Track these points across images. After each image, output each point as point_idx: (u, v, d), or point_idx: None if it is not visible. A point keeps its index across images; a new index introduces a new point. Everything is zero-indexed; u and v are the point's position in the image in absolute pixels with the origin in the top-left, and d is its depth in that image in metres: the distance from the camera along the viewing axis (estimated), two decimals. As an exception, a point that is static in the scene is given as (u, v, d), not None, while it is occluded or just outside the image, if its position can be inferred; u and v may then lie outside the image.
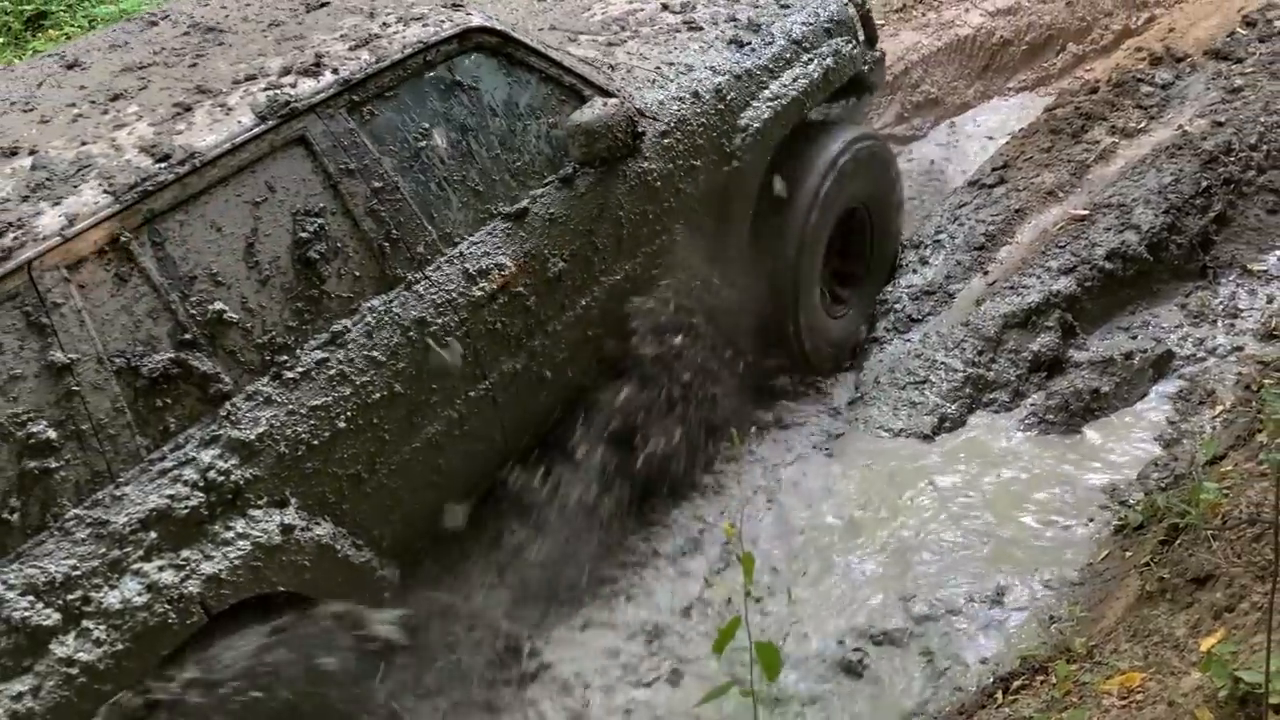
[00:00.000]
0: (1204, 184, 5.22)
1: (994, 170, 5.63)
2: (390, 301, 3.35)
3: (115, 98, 3.26)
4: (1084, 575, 4.06)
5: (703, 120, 4.15)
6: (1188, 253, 5.13)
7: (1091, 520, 4.23)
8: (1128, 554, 3.98)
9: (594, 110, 3.71)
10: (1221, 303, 5.01)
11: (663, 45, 4.30)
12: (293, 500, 3.07)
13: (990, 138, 6.43)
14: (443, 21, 3.58)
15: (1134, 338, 4.92)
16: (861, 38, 4.80)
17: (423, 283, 3.42)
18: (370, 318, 3.30)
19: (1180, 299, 5.07)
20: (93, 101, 3.26)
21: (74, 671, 2.62)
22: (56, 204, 2.84)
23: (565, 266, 3.75)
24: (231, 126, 3.12)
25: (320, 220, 3.21)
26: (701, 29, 4.40)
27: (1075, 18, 6.98)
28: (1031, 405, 4.76)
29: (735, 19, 4.46)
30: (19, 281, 2.71)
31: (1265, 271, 5.08)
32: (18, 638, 2.58)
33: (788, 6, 4.59)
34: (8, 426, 2.66)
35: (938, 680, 3.81)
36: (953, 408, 4.85)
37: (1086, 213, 5.23)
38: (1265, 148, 5.33)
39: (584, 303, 3.85)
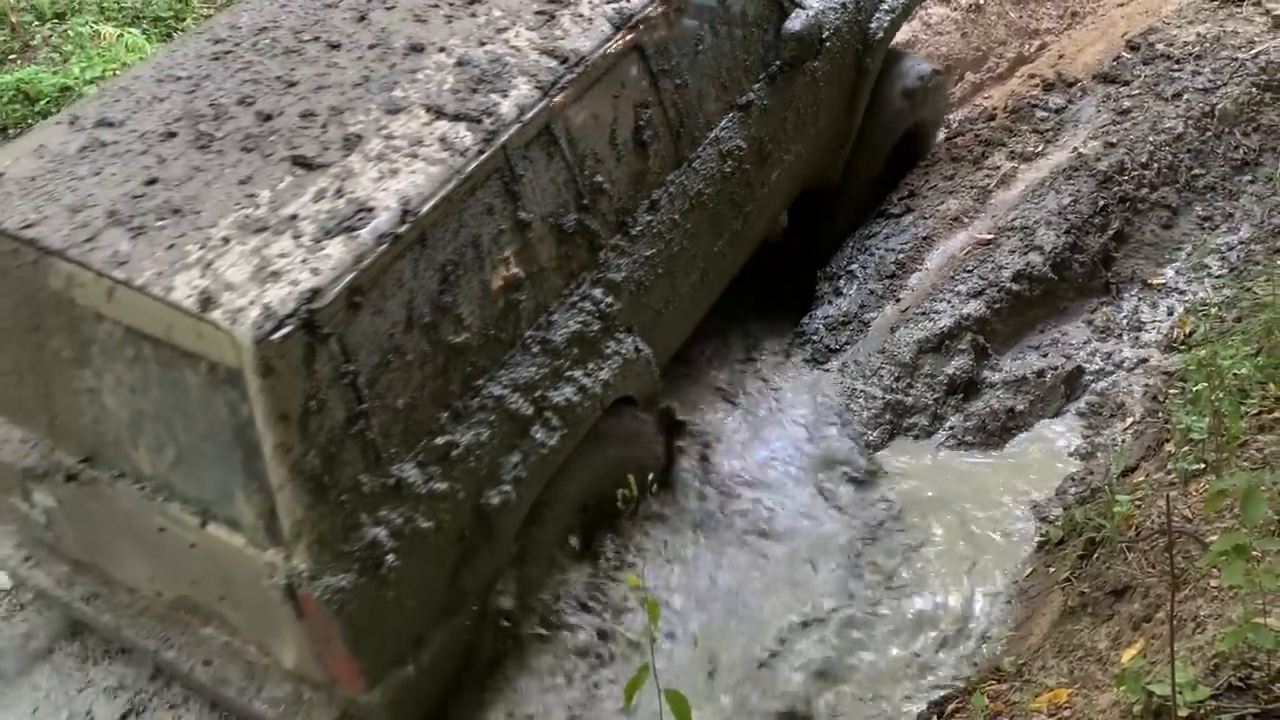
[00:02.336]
0: (1101, 203, 5.39)
1: (900, 200, 5.74)
2: (680, 175, 4.15)
3: (472, 0, 3.86)
4: (1010, 593, 4.12)
5: (849, 27, 4.98)
6: (1090, 270, 5.27)
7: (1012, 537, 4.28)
8: (1050, 569, 4.05)
9: (800, 20, 4.54)
10: (1125, 317, 5.15)
11: None
12: (634, 328, 3.94)
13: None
14: None
15: (1044, 355, 5.03)
16: None
17: (696, 160, 4.23)
18: (671, 189, 4.11)
19: (1086, 315, 5.20)
20: (452, 3, 3.86)
21: (543, 452, 3.53)
22: (505, 96, 3.51)
23: (770, 147, 4.62)
24: (596, 34, 3.80)
25: (648, 111, 3.98)
26: None
27: (971, 48, 7.18)
28: (950, 428, 4.84)
29: None
30: (500, 159, 3.41)
31: (1164, 284, 5.24)
32: (509, 424, 3.44)
33: None
34: (499, 268, 3.41)
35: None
36: (874, 434, 4.90)
37: (991, 237, 5.36)
38: (1155, 165, 5.52)
39: (775, 175, 4.74)
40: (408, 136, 3.33)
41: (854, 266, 5.53)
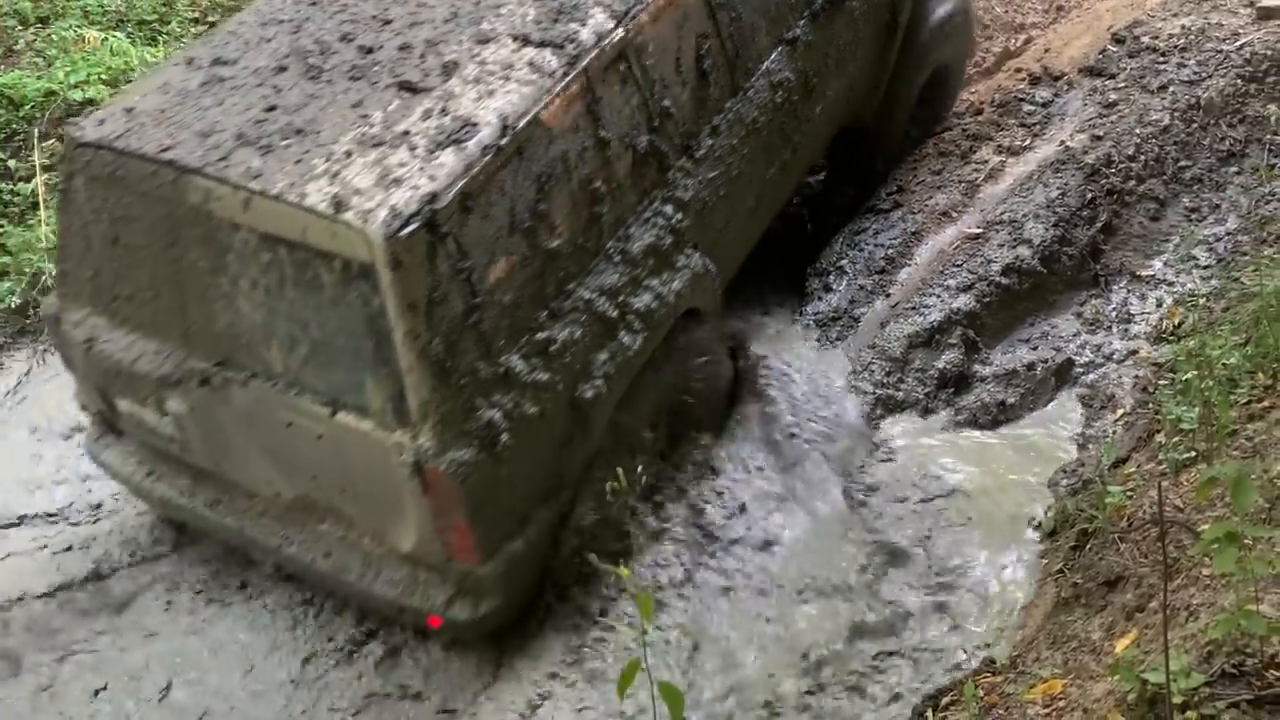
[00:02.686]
0: (1089, 196, 5.40)
1: (889, 195, 5.75)
2: (736, 104, 4.47)
3: None
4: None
5: None
6: (1079, 263, 5.28)
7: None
8: (1044, 561, 4.06)
9: None
10: (1114, 309, 5.16)
11: None
12: (699, 245, 4.25)
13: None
14: None
15: (1034, 349, 5.04)
16: None
17: (750, 90, 4.53)
18: (729, 116, 4.42)
19: (1076, 308, 5.21)
20: None
21: (628, 353, 3.90)
22: (583, 24, 3.82)
23: (814, 81, 4.89)
24: None
25: (708, 41, 4.26)
26: None
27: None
28: (941, 422, 4.84)
29: None
30: (582, 81, 3.72)
31: (1153, 276, 5.25)
32: (598, 325, 3.78)
33: None
34: (585, 181, 3.74)
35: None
36: (867, 428, 4.90)
37: (980, 231, 5.37)
38: (1142, 158, 5.54)
39: (818, 108, 5.02)
40: (499, 62, 3.69)
41: (843, 262, 5.54)
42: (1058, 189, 5.41)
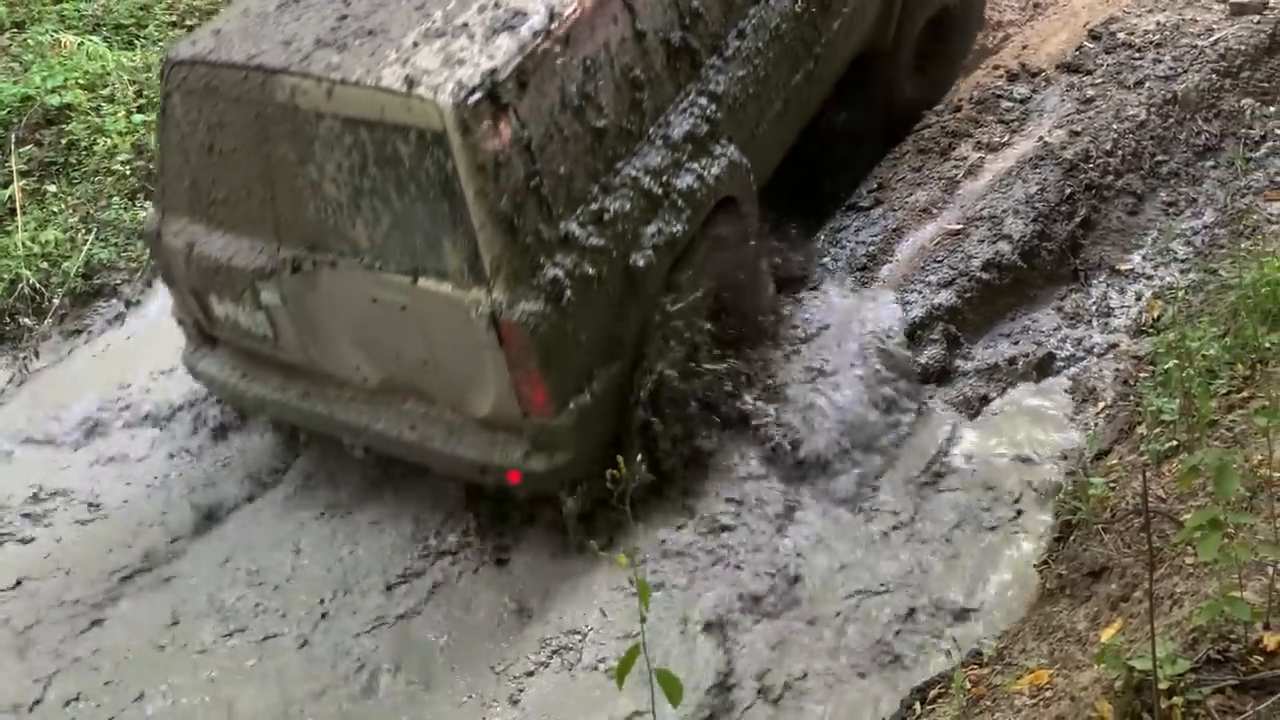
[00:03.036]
0: (1067, 191, 5.44)
1: (869, 193, 5.78)
2: (760, 9, 4.85)
3: None
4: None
5: None
6: (1058, 258, 5.32)
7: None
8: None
9: None
10: (1094, 303, 5.20)
11: None
12: (733, 137, 4.62)
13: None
14: None
15: (1016, 343, 5.08)
16: None
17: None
18: (754, 20, 4.81)
19: (1056, 302, 5.25)
20: None
21: (674, 229, 4.26)
22: None
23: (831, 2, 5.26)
24: None
25: None
26: None
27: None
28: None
29: None
30: None
31: (1131, 270, 5.29)
32: (645, 200, 4.17)
33: None
34: (626, 69, 4.17)
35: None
36: (852, 428, 4.93)
37: (960, 227, 5.40)
38: (1120, 153, 5.58)
39: (836, 24, 5.35)
40: None
41: (826, 260, 5.56)
42: (1036, 185, 5.45)
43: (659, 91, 4.35)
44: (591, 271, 3.96)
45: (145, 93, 6.82)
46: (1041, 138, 5.67)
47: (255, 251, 4.19)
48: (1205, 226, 5.37)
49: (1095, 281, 5.30)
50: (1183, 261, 5.25)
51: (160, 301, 5.62)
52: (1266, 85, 5.90)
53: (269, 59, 3.97)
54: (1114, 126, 5.66)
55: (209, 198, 4.27)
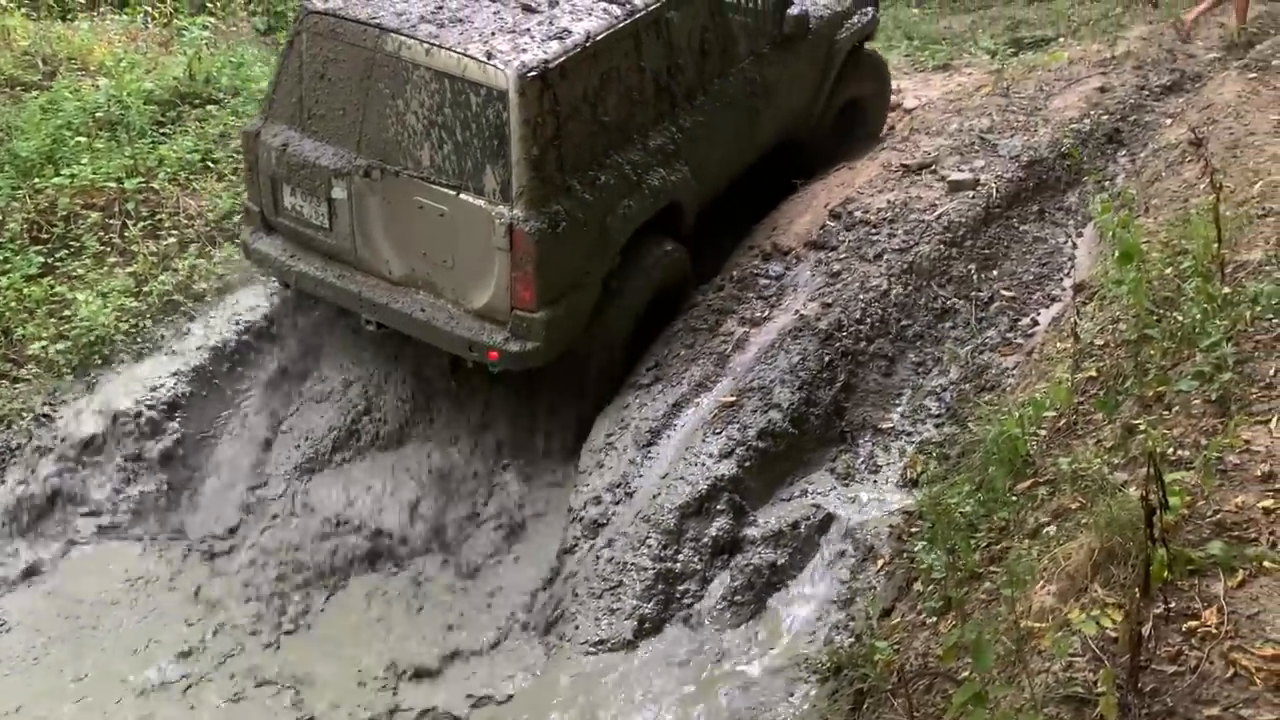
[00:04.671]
0: (826, 359, 5.81)
1: (648, 370, 5.97)
2: (722, 81, 6.53)
3: None
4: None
5: (826, 28, 7.37)
6: (826, 421, 5.63)
7: (791, 696, 4.36)
8: (827, 721, 4.14)
9: (798, 8, 7.01)
10: (863, 462, 5.51)
11: None
12: (689, 162, 6.20)
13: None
14: None
15: (797, 508, 5.27)
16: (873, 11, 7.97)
17: (732, 75, 6.61)
18: (716, 88, 6.48)
19: (829, 464, 5.53)
20: None
21: (634, 209, 5.84)
22: None
23: (772, 85, 6.90)
24: None
25: (709, 34, 6.38)
26: None
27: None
28: (720, 589, 4.94)
29: None
30: (633, 26, 5.79)
31: (893, 428, 5.66)
32: (624, 183, 5.77)
33: None
34: (627, 89, 5.76)
35: None
36: (649, 606, 4.94)
37: (734, 398, 5.64)
38: (869, 320, 6.04)
39: (771, 109, 6.96)
40: (584, 6, 5.76)
41: (612, 438, 5.66)
42: (798, 354, 5.80)
43: (646, 112, 5.97)
44: (580, 217, 5.48)
45: None
46: (798, 311, 6.06)
47: (337, 156, 5.66)
48: (952, 383, 5.83)
49: (862, 441, 5.62)
50: (936, 416, 5.66)
51: None
52: (987, 251, 6.58)
53: (386, 21, 5.55)
54: (861, 297, 6.13)
55: (309, 113, 5.76)
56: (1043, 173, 7.08)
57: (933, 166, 7.13)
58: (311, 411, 6.28)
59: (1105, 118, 7.62)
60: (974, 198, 6.79)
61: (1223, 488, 3.32)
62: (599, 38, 5.56)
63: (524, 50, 5.33)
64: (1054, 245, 6.69)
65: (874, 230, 6.58)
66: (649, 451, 5.51)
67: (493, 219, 5.27)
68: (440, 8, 5.64)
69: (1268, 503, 3.21)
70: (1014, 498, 4.10)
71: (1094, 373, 4.77)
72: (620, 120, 5.76)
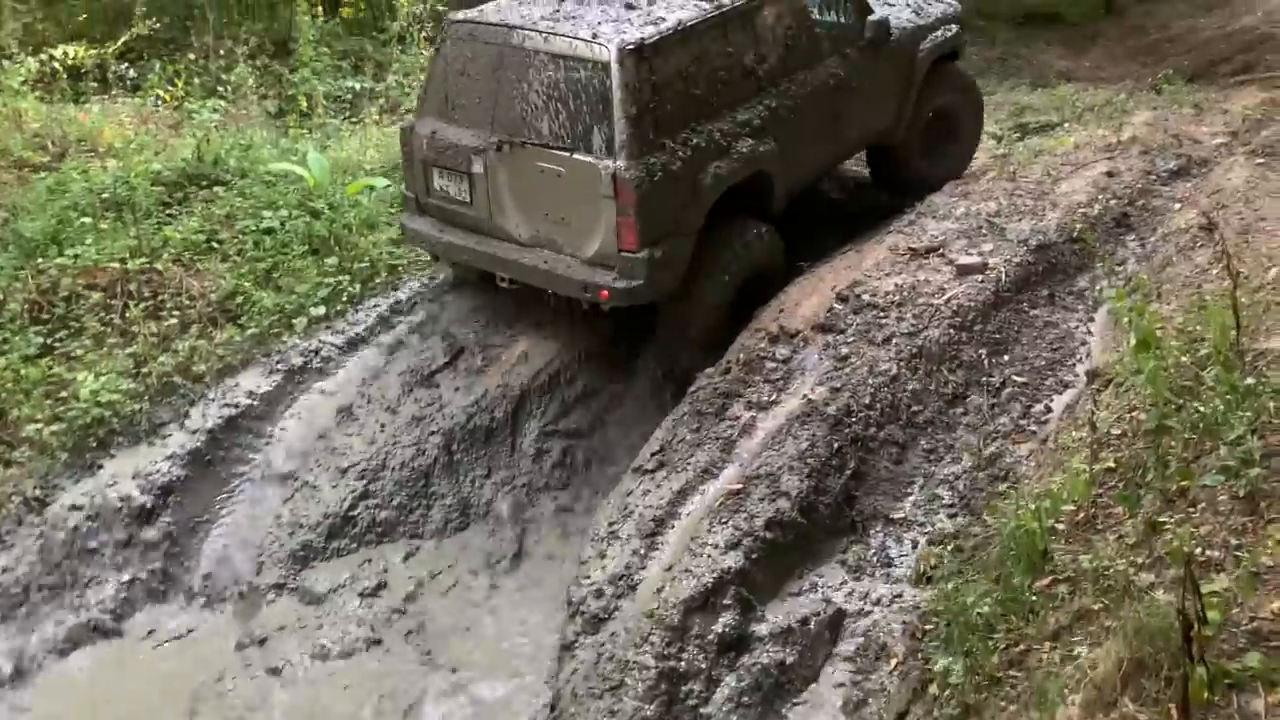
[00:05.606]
0: (836, 445, 5.67)
1: (652, 455, 5.83)
2: (805, 73, 7.31)
3: None
4: None
5: (909, 38, 8.16)
6: (836, 511, 5.47)
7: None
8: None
9: (879, 13, 7.85)
10: (875, 554, 5.32)
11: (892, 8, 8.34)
12: (776, 139, 7.01)
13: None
14: None
15: (806, 603, 5.08)
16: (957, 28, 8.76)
17: (815, 69, 7.41)
18: (798, 79, 7.24)
19: (839, 555, 5.34)
20: None
21: (724, 172, 6.62)
22: None
23: (855, 83, 7.68)
24: None
25: (794, 30, 7.27)
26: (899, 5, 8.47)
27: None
28: (727, 690, 4.74)
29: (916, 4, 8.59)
30: (721, 17, 6.75)
31: (904, 518, 5.48)
32: (715, 148, 6.59)
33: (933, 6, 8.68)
34: (714, 69, 6.66)
35: None
36: (652, 708, 4.72)
37: (740, 486, 5.49)
38: (879, 405, 5.91)
39: (857, 108, 7.74)
40: (678, 3, 6.77)
41: (615, 527, 5.50)
42: (807, 440, 5.66)
43: (734, 91, 6.80)
44: (675, 170, 6.34)
45: None
46: (806, 395, 5.94)
47: (475, 136, 6.66)
48: (965, 471, 5.68)
49: (873, 532, 5.44)
50: (949, 506, 5.49)
51: None
52: (998, 336, 6.48)
53: (512, 21, 6.65)
54: (870, 381, 6.01)
55: (452, 104, 6.80)
56: (1052, 257, 7.03)
57: (940, 250, 7.08)
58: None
59: (1114, 202, 7.59)
60: (983, 282, 6.72)
61: (1257, 591, 3.15)
62: (688, 25, 6.57)
63: (624, 33, 6.35)
64: (1065, 330, 6.59)
65: (882, 314, 6.49)
66: (653, 541, 5.34)
67: (599, 171, 6.20)
68: (556, 10, 6.72)
69: (1306, 610, 3.04)
70: (1033, 596, 3.92)
71: (1112, 464, 4.61)
72: (710, 95, 6.65)
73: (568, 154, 6.29)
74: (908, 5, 8.46)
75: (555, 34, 6.38)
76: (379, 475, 6.26)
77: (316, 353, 6.98)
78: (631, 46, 6.20)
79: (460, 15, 6.98)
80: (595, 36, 6.26)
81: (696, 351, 6.64)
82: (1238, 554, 3.29)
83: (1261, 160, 7.93)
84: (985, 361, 6.28)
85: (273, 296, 7.19)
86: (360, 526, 6.13)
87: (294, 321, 7.12)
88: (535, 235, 6.59)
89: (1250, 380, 4.30)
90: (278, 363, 6.89)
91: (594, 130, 6.22)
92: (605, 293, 6.33)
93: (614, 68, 6.13)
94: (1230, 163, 8.04)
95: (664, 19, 6.54)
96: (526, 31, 6.48)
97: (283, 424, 6.61)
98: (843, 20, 7.77)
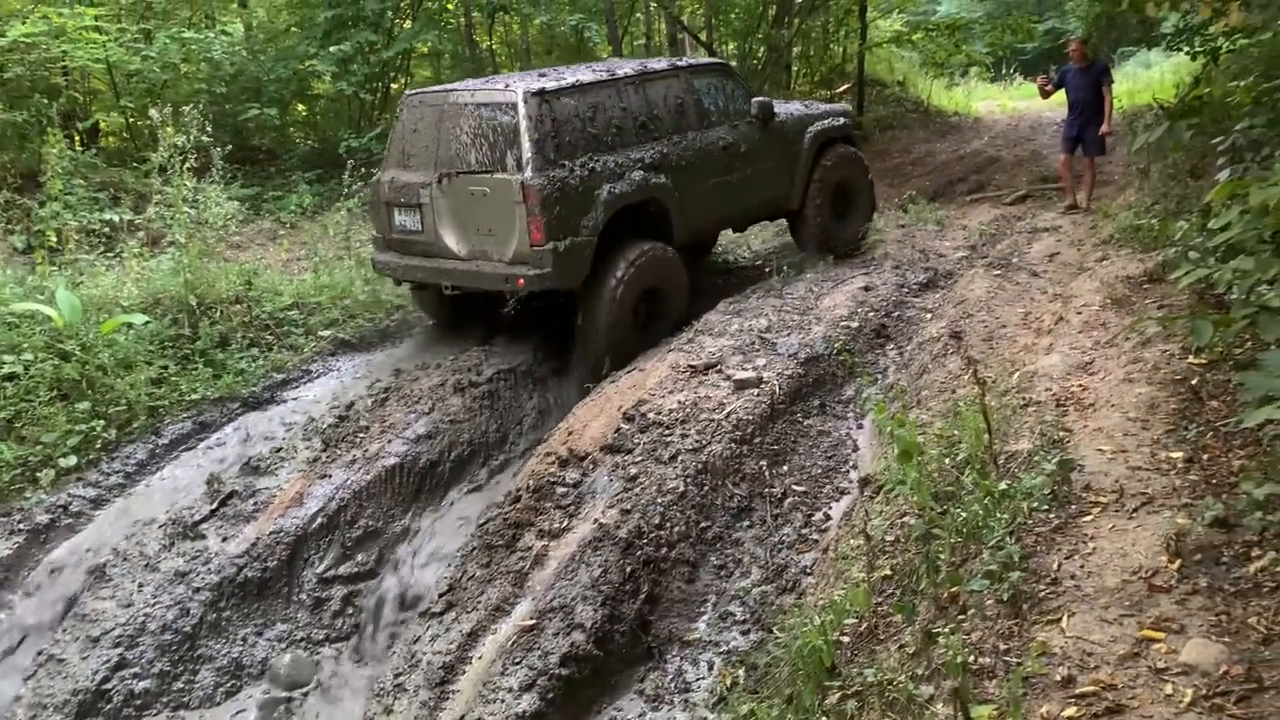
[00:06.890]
0: (629, 569, 5.61)
1: (441, 596, 5.59)
2: (696, 134, 8.99)
3: None
4: None
5: (794, 123, 9.97)
6: (631, 638, 5.38)
7: None
8: None
9: (758, 98, 9.62)
10: (672, 679, 5.25)
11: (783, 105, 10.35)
12: (668, 177, 8.72)
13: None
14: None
15: (606, 740, 4.93)
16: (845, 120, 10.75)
17: (708, 131, 9.13)
18: (690, 136, 8.93)
19: (637, 685, 5.23)
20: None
21: (618, 193, 8.30)
22: (622, 67, 9.16)
23: (751, 149, 9.48)
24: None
25: (683, 98, 9.07)
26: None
27: (493, 430, 7.56)
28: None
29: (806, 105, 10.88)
30: (616, 83, 8.69)
31: (699, 639, 5.45)
32: (609, 171, 8.27)
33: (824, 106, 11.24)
34: (609, 118, 8.47)
35: None
36: None
37: (534, 621, 5.33)
38: (668, 525, 5.92)
39: (749, 172, 9.44)
40: (582, 69, 8.95)
41: (402, 679, 5.21)
42: (599, 567, 5.58)
43: (628, 136, 8.41)
44: (573, 183, 7.84)
45: None
46: (597, 519, 5.89)
47: (423, 175, 8.23)
48: (754, 585, 5.73)
49: (669, 657, 5.37)
50: (742, 623, 5.51)
51: None
52: (776, 447, 6.68)
53: (451, 86, 8.66)
54: (659, 500, 6.03)
55: (407, 155, 8.43)
56: (821, 368, 7.37)
57: (718, 366, 7.29)
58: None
59: (871, 315, 8.09)
60: (759, 395, 6.95)
61: (1026, 697, 3.28)
62: (584, 82, 8.29)
63: (529, 84, 8.04)
64: (838, 438, 6.88)
65: (667, 431, 6.58)
66: (443, 691, 5.07)
67: (512, 183, 7.72)
68: (487, 79, 9.05)
69: (1071, 711, 3.18)
70: (823, 716, 3.94)
71: (889, 571, 4.77)
72: (605, 135, 8.26)
73: (490, 174, 7.89)
74: (801, 105, 10.73)
75: (481, 89, 8.30)
76: (136, 641, 5.69)
77: (65, 508, 6.39)
78: (534, 90, 7.92)
79: (414, 92, 8.99)
80: (507, 86, 8.09)
81: (608, 353, 7.99)
82: (1006, 659, 3.43)
83: (998, 271, 8.70)
84: (766, 473, 6.44)
85: (14, 449, 6.55)
86: (116, 701, 5.52)
87: (39, 475, 6.49)
88: (471, 250, 8.14)
89: (1004, 485, 4.58)
90: (19, 522, 6.25)
91: (508, 154, 7.82)
92: (521, 281, 7.74)
93: (520, 106, 7.81)
94: (971, 274, 8.77)
95: (564, 77, 8.34)
96: (460, 91, 8.42)
97: (24, 590, 5.94)
98: (730, 96, 9.43)
